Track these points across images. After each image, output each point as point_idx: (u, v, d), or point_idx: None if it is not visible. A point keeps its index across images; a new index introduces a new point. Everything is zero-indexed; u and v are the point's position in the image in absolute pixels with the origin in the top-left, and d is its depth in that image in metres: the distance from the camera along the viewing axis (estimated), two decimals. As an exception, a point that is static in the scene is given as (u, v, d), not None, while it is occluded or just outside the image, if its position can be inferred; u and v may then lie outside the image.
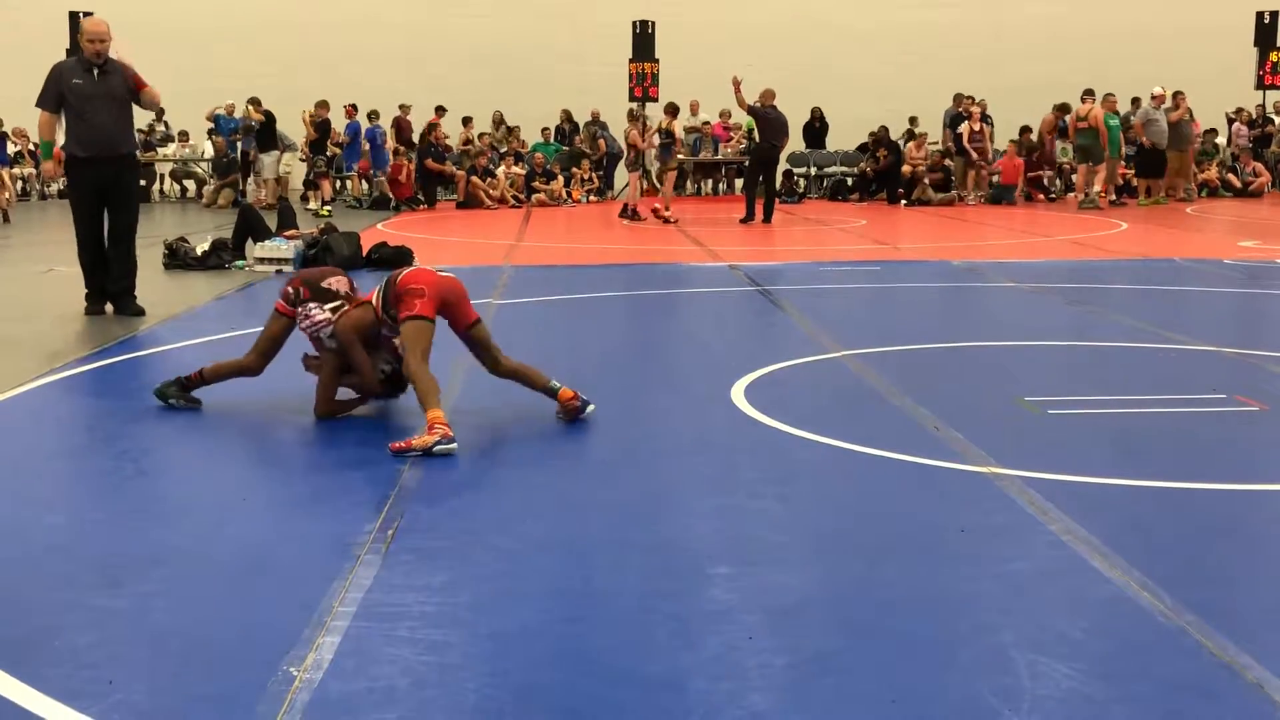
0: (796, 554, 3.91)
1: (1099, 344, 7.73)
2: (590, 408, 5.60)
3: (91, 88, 8.68)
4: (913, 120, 23.37)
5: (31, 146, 23.59)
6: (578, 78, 25.28)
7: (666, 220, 17.40)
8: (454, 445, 4.99)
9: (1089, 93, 20.29)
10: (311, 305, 5.64)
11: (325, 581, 3.58)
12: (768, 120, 17.71)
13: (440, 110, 22.89)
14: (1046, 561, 3.83)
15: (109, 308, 8.89)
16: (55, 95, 8.77)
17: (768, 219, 17.50)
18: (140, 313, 8.74)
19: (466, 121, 23.57)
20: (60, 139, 8.95)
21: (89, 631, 3.28)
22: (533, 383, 5.71)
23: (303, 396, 6.43)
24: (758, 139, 18.04)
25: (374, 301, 5.61)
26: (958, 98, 22.58)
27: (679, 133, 18.94)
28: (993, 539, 4.04)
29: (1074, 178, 22.15)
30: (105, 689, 2.91)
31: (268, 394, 6.13)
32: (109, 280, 8.93)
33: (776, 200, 19.13)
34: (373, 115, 22.32)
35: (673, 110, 18.61)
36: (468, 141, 23.36)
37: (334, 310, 5.64)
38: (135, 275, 9.01)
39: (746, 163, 19.33)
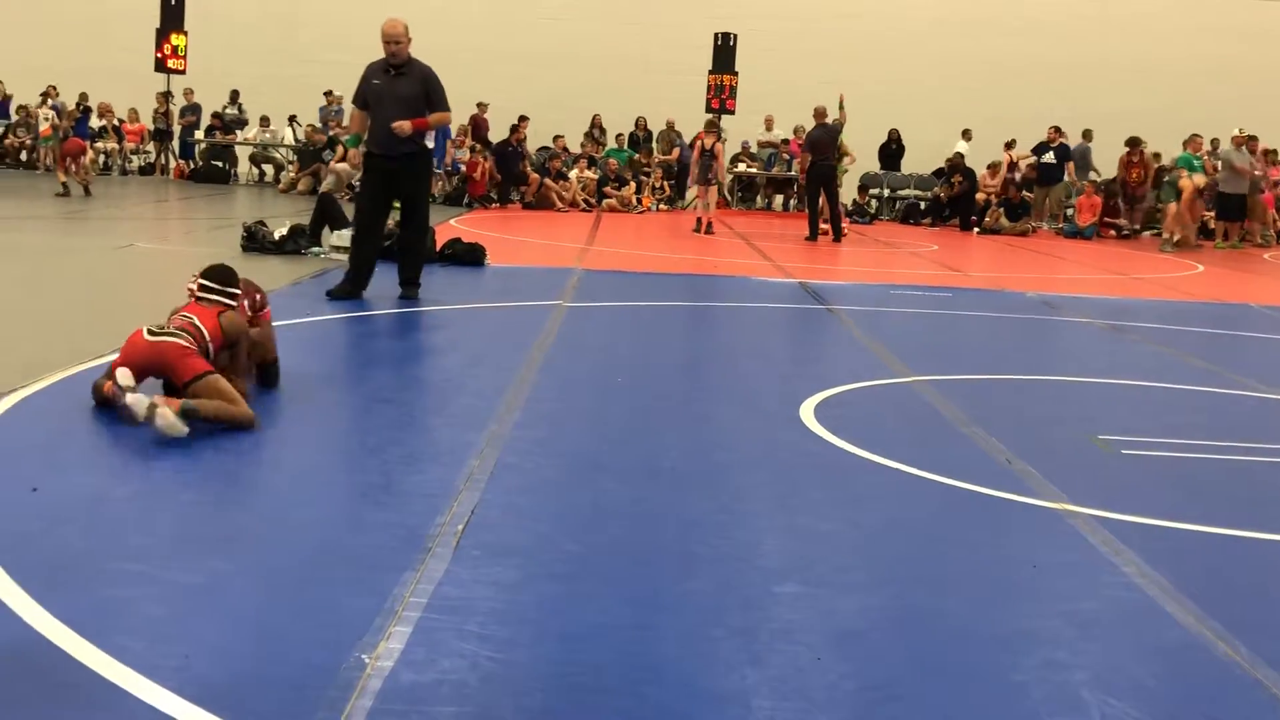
0: (865, 578, 3.89)
1: (1173, 386, 7.62)
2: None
3: (385, 87, 9.01)
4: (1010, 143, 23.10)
5: (117, 122, 24.05)
6: (655, 86, 25.33)
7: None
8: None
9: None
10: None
11: (397, 571, 3.62)
12: (813, 139, 17.90)
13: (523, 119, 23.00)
14: (1118, 603, 3.79)
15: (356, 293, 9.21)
16: (360, 93, 9.20)
17: (836, 237, 17.52)
18: (415, 297, 9.24)
19: (521, 121, 23.42)
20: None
21: (165, 605, 3.33)
22: None
23: (378, 385, 6.52)
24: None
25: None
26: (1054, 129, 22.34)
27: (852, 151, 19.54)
28: (1064, 577, 4.00)
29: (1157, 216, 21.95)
30: (181, 663, 2.96)
31: (343, 383, 6.21)
32: (400, 268, 9.39)
33: (846, 220, 19.17)
34: None
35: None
36: (520, 140, 23.34)
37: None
38: (421, 269, 9.49)
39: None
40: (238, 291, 5.81)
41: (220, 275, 5.79)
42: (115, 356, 5.41)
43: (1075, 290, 12.77)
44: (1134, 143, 21.53)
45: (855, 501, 4.71)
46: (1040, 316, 10.76)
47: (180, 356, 5.29)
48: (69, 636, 3.05)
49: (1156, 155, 22.29)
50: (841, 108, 17.73)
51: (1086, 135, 22.79)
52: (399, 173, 9.12)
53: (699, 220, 18.04)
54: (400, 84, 8.99)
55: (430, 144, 9.36)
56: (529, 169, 21.86)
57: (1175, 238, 19.27)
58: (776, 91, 23.82)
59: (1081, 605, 3.75)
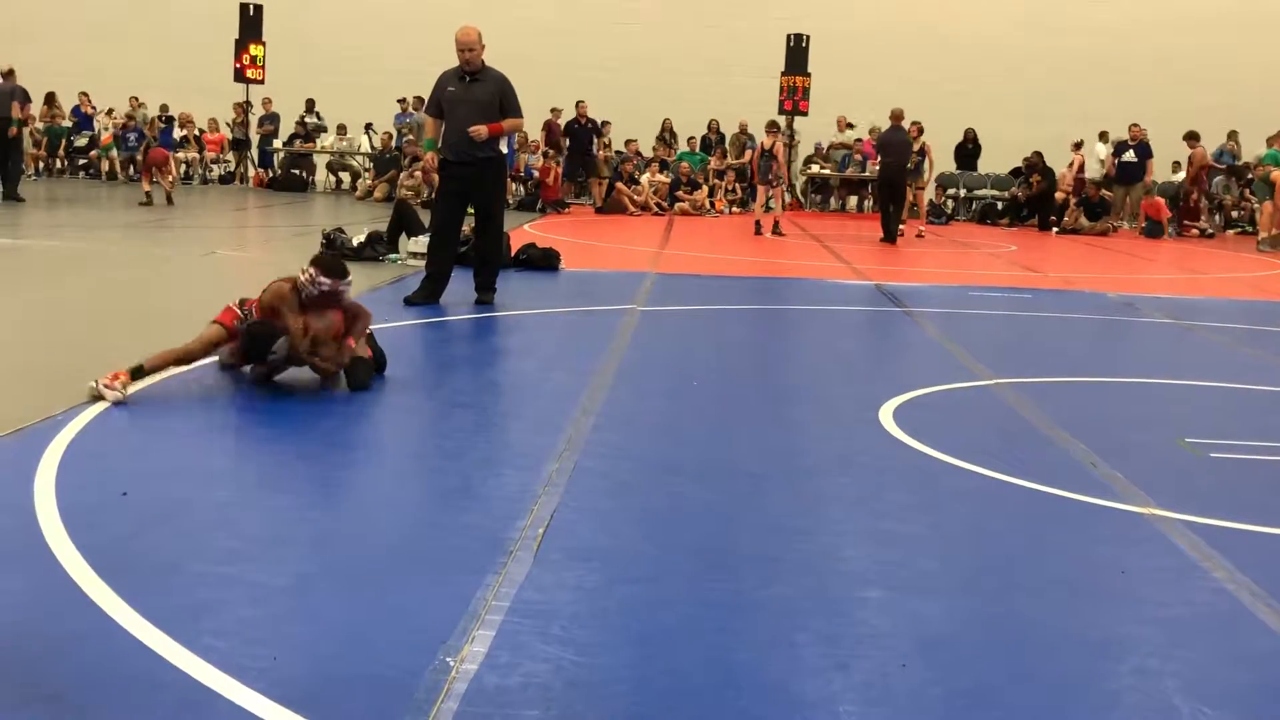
0: (949, 583, 3.84)
1: (1262, 388, 7.46)
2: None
3: (460, 94, 9.15)
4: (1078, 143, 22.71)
5: (197, 132, 24.46)
6: (728, 89, 25.30)
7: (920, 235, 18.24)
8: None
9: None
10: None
11: (479, 575, 3.63)
12: (884, 141, 18.10)
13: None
14: (1210, 609, 3.71)
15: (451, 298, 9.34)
16: (434, 102, 9.36)
17: (892, 239, 17.31)
18: (490, 303, 9.32)
19: (603, 125, 23.69)
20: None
21: (252, 607, 3.37)
22: None
23: (456, 389, 6.57)
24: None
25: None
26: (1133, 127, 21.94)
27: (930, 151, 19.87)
28: (1153, 582, 3.92)
29: (1235, 214, 21.53)
30: (269, 665, 2.99)
31: (422, 387, 6.25)
32: (475, 274, 9.50)
33: (923, 221, 19.01)
34: None
35: (919, 129, 19.17)
36: (604, 146, 23.59)
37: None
38: (497, 274, 9.54)
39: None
40: (326, 282, 6.06)
41: (328, 264, 6.16)
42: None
43: (1157, 290, 12.55)
44: (1189, 137, 21.08)
45: (938, 506, 4.66)
46: (1122, 317, 10.58)
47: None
48: (159, 637, 3.10)
49: (1229, 141, 22.01)
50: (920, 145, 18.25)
51: (1231, 136, 22.34)
52: (474, 179, 9.19)
53: (757, 223, 17.95)
54: (475, 90, 9.07)
55: (504, 149, 9.42)
56: (603, 170, 21.95)
57: (1276, 233, 18.81)
58: (850, 92, 23.69)
59: (1172, 611, 3.67)
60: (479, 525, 4.15)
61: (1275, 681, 3.23)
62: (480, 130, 8.92)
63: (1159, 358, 8.81)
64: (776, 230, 17.56)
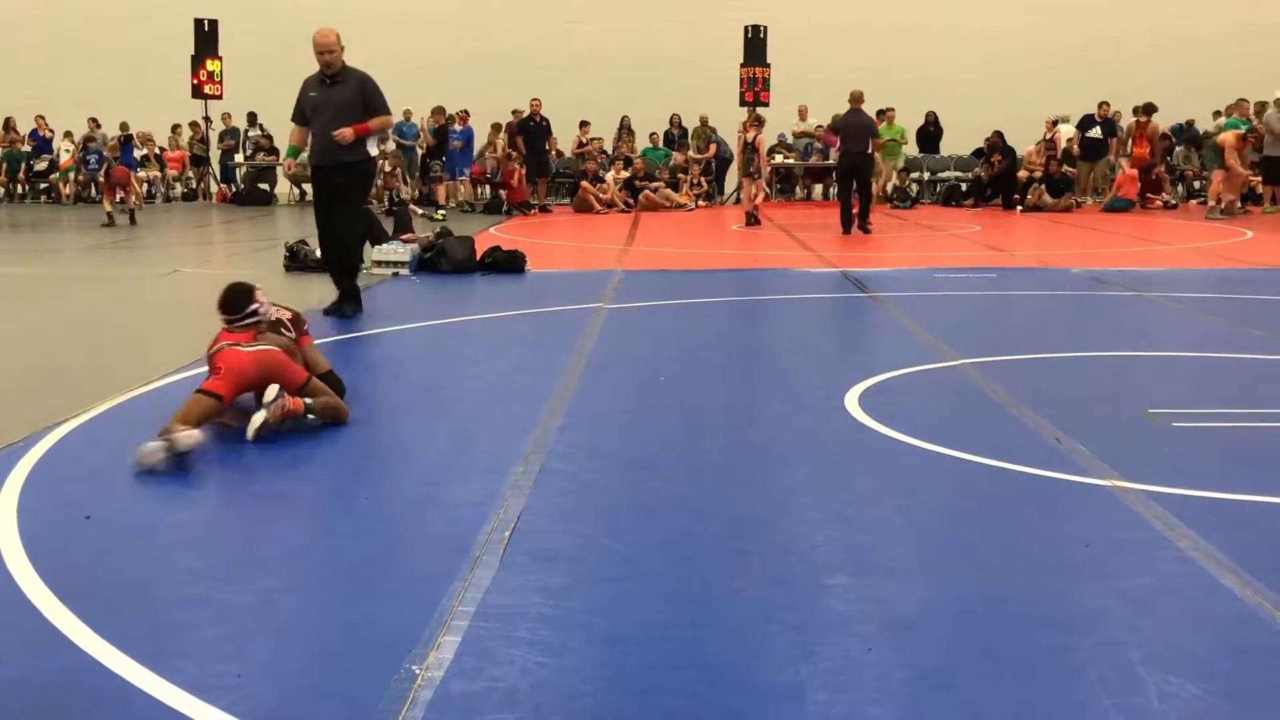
0: (915, 566, 3.86)
1: (1226, 355, 7.51)
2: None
3: (321, 98, 8.88)
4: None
5: (158, 150, 24.31)
6: (688, 83, 25.27)
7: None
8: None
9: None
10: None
11: (445, 581, 3.63)
12: (846, 128, 16.88)
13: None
14: (1174, 578, 3.73)
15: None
16: (298, 107, 9.09)
17: (859, 227, 16.54)
18: (349, 314, 8.92)
19: (583, 125, 23.70)
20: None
21: (217, 625, 3.36)
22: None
23: (421, 396, 6.55)
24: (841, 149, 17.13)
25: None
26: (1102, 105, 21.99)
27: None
28: (1118, 554, 3.94)
29: (1197, 184, 21.67)
30: (234, 682, 2.98)
31: (387, 395, 6.24)
32: (334, 280, 9.23)
33: (887, 205, 18.96)
34: (452, 118, 22.52)
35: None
36: (582, 144, 23.59)
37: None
38: (348, 280, 9.10)
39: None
40: (256, 307, 5.80)
41: (232, 303, 5.78)
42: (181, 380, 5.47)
43: (1122, 264, 12.61)
44: (1146, 110, 21.21)
45: (904, 489, 4.67)
46: (1088, 292, 10.64)
47: (289, 362, 5.56)
48: (123, 661, 3.09)
49: (1190, 123, 22.15)
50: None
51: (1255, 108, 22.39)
52: (339, 182, 8.89)
53: (747, 215, 17.92)
54: (335, 93, 8.81)
55: (374, 151, 9.14)
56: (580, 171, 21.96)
57: (1222, 204, 18.98)
58: (811, 81, 23.69)
59: (1137, 582, 3.69)
60: (445, 532, 4.14)
61: (1240, 647, 3.25)
62: (345, 133, 8.66)
63: (1122, 330, 8.85)
64: (753, 220, 17.48)
